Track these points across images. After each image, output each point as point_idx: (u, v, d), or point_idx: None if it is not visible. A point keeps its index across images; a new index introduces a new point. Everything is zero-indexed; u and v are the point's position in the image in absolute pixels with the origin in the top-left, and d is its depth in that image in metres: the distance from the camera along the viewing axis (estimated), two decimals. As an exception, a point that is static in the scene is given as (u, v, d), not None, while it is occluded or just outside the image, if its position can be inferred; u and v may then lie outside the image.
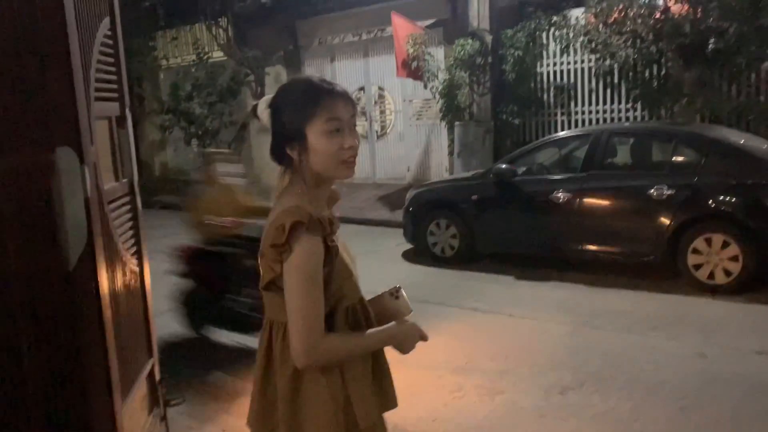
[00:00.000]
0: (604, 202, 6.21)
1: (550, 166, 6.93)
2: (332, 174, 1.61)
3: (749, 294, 5.44)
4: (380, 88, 12.68)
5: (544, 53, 10.14)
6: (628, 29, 8.85)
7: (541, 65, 10.21)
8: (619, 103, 9.61)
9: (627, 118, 9.53)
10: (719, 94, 8.59)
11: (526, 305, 5.58)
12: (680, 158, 6.14)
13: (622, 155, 6.65)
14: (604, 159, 6.41)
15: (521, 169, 6.84)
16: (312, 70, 13.25)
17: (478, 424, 3.57)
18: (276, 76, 13.27)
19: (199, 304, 4.84)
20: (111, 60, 2.63)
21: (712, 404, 3.65)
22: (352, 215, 9.66)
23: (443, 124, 10.95)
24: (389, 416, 1.74)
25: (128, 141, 2.79)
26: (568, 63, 9.99)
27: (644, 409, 3.63)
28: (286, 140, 1.58)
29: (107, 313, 2.21)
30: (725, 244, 5.51)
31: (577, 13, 9.68)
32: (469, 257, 7.04)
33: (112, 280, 2.33)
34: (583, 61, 9.84)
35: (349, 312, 1.64)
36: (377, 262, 6.93)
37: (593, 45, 9.34)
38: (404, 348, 1.69)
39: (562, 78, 10.08)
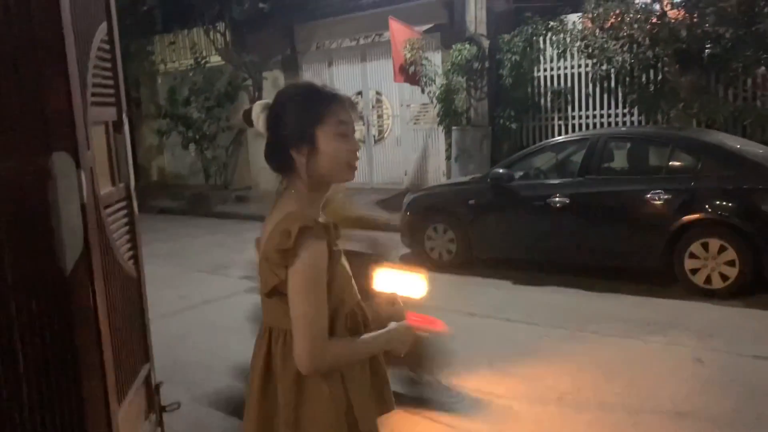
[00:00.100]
0: (601, 207, 6.22)
1: (547, 171, 6.94)
2: (337, 177, 1.62)
3: (746, 298, 5.44)
4: (378, 93, 12.71)
5: (541, 58, 10.16)
6: (625, 34, 8.88)
7: (538, 70, 10.24)
8: (616, 107, 9.64)
9: (624, 123, 9.55)
10: (715, 99, 8.61)
11: (523, 310, 5.58)
12: (677, 163, 6.15)
13: (619, 160, 6.67)
14: (601, 164, 6.42)
15: (518, 174, 6.85)
16: (310, 74, 13.27)
17: (476, 429, 3.56)
18: (273, 81, 13.28)
19: None
20: (108, 65, 2.62)
21: (709, 409, 3.65)
22: (350, 220, 9.64)
23: (441, 128, 10.97)
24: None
25: (125, 146, 2.79)
26: (565, 68, 10.02)
27: (641, 414, 3.63)
28: (293, 143, 1.57)
29: (103, 318, 2.20)
30: (722, 249, 5.52)
31: (573, 18, 9.72)
32: (466, 262, 7.04)
33: (108, 285, 2.32)
34: (579, 66, 9.87)
35: (348, 317, 1.64)
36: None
37: (590, 50, 9.38)
38: (399, 349, 1.71)
39: (559, 83, 10.11)
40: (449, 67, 10.27)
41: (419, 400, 3.80)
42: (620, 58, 9.01)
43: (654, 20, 8.64)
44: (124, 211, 2.73)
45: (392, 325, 1.71)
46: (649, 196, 5.83)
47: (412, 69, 10.17)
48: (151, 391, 2.94)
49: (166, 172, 16.66)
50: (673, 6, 8.54)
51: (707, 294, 5.57)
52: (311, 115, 1.57)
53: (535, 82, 10.29)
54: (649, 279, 6.05)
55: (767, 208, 5.44)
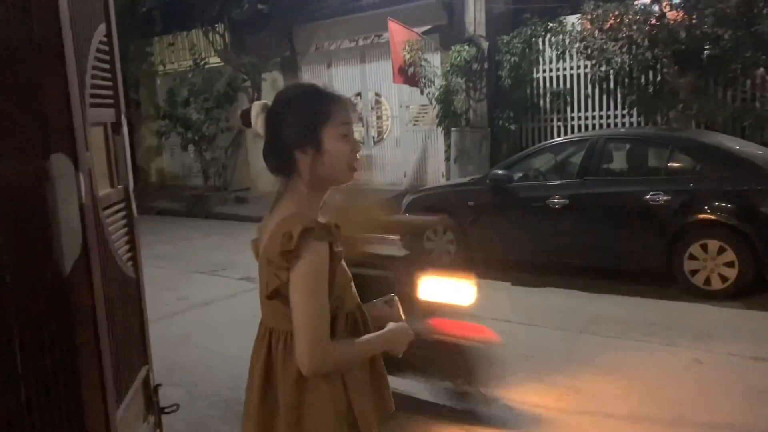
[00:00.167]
0: (601, 208, 6.22)
1: (546, 172, 6.94)
2: (339, 178, 1.63)
3: (745, 300, 5.45)
4: (377, 94, 12.71)
5: (540, 59, 10.17)
6: (624, 35, 8.88)
7: (537, 71, 10.24)
8: (615, 109, 9.65)
9: (623, 124, 9.56)
10: (714, 100, 8.62)
11: (522, 311, 5.58)
12: (676, 164, 6.15)
13: (618, 161, 6.67)
14: (601, 165, 6.42)
15: (518, 175, 6.85)
16: (309, 76, 13.28)
17: (479, 430, 3.56)
18: (273, 82, 13.29)
19: None
20: (106, 66, 2.62)
21: (708, 410, 3.65)
22: (349, 221, 9.64)
23: (440, 129, 10.97)
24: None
25: (123, 147, 2.78)
26: (564, 69, 10.03)
27: (641, 416, 3.63)
28: (297, 143, 1.57)
29: (102, 319, 2.19)
30: (721, 250, 5.52)
31: (572, 20, 9.73)
32: (465, 263, 7.03)
33: (106, 286, 2.31)
34: (579, 67, 9.87)
35: (348, 318, 1.64)
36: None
37: (589, 51, 9.38)
38: (397, 350, 1.71)
39: (558, 84, 10.11)
40: (448, 69, 10.28)
41: (468, 413, 3.68)
42: (619, 60, 9.01)
43: (653, 21, 8.64)
44: (123, 213, 2.73)
45: (391, 325, 1.71)
46: (648, 197, 5.83)
47: (411, 70, 10.17)
48: (150, 392, 2.93)
49: (165, 173, 16.66)
50: (672, 7, 8.54)
51: (706, 295, 5.57)
52: (316, 115, 1.58)
53: (534, 84, 10.29)
54: (649, 280, 6.05)
55: (766, 209, 5.44)
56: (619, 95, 9.54)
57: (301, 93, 1.63)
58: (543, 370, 4.29)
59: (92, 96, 2.34)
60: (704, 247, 5.61)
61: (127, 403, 2.51)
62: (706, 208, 5.65)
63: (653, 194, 5.81)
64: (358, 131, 12.28)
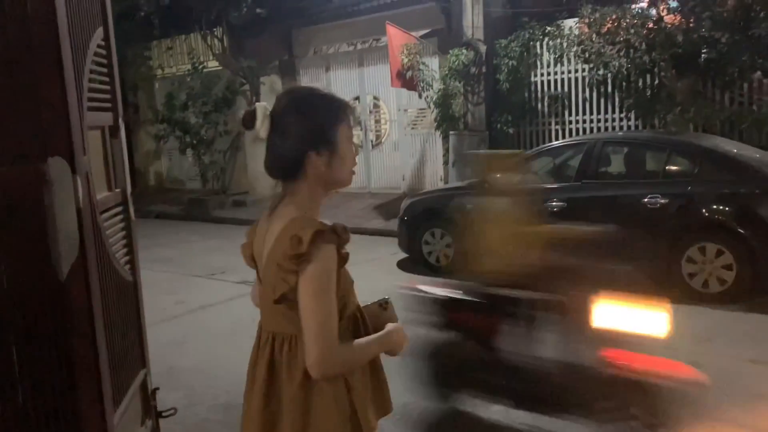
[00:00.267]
0: (598, 211, 6.22)
1: (544, 175, 6.94)
2: (343, 180, 1.64)
3: (743, 302, 5.45)
4: (375, 98, 12.72)
5: (538, 63, 10.20)
6: (621, 39, 8.92)
7: (535, 75, 10.27)
8: (613, 112, 9.67)
9: (621, 128, 9.57)
10: (712, 104, 8.65)
11: (520, 314, 5.57)
12: (674, 167, 6.16)
13: (616, 164, 6.68)
14: (598, 168, 6.43)
15: (516, 178, 6.85)
16: (307, 79, 13.29)
17: (472, 435, 3.55)
18: (271, 86, 13.30)
19: (459, 364, 3.50)
20: (104, 70, 2.62)
21: (707, 413, 3.64)
22: (347, 224, 9.65)
23: (438, 133, 10.98)
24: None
25: (121, 151, 2.78)
26: (562, 72, 10.05)
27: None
28: (313, 145, 1.57)
29: (99, 323, 2.19)
30: (719, 253, 5.53)
31: (570, 23, 9.76)
32: (463, 267, 7.02)
33: (104, 290, 2.31)
34: (576, 71, 9.90)
35: (350, 320, 1.65)
36: (372, 272, 6.92)
37: (587, 55, 9.41)
38: (396, 351, 1.73)
39: (556, 87, 10.14)
40: (446, 72, 10.29)
41: None
42: (617, 63, 9.04)
43: (650, 25, 8.67)
44: (121, 216, 2.73)
45: (390, 326, 1.72)
46: (646, 200, 5.84)
47: (409, 74, 10.18)
48: (148, 396, 2.93)
49: (163, 177, 16.66)
50: (670, 11, 8.58)
51: (704, 298, 5.58)
52: (332, 116, 1.59)
53: (532, 87, 10.32)
54: (647, 283, 6.04)
55: (764, 212, 5.45)
56: (616, 99, 9.56)
57: (314, 95, 1.63)
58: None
59: (90, 100, 2.34)
60: (702, 250, 5.61)
61: (125, 406, 2.51)
62: (703, 211, 5.66)
63: (651, 197, 5.81)
64: (356, 135, 12.29)
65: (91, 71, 2.41)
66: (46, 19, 1.97)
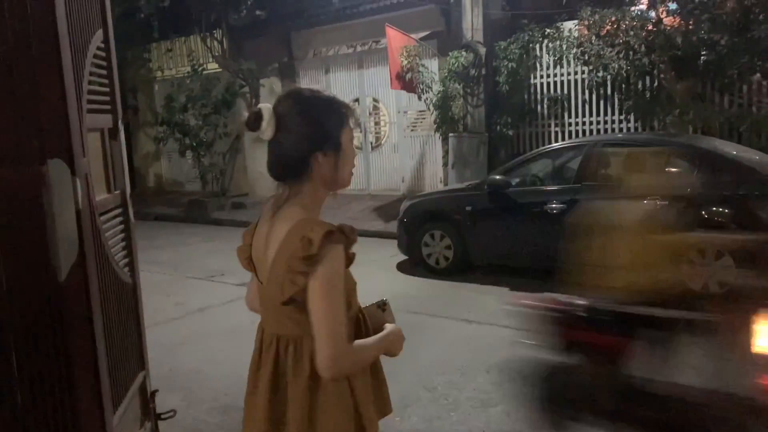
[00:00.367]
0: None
1: (544, 177, 6.94)
2: (345, 181, 1.66)
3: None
4: (375, 100, 12.73)
5: (538, 65, 10.20)
6: (621, 41, 8.93)
7: (535, 77, 10.27)
8: (612, 114, 9.67)
9: (620, 130, 9.58)
10: (711, 106, 8.65)
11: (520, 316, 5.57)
12: (673, 169, 6.15)
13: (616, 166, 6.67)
14: (598, 170, 6.43)
15: (515, 180, 6.86)
16: (307, 81, 13.30)
17: None
18: (270, 88, 13.31)
19: (579, 389, 3.07)
20: (104, 72, 2.63)
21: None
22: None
23: (437, 135, 10.99)
24: (383, 429, 1.75)
25: (120, 153, 2.79)
26: (562, 75, 10.06)
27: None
28: (321, 145, 1.58)
29: (98, 325, 2.19)
30: (719, 255, 5.52)
31: (570, 25, 9.77)
32: (463, 268, 7.04)
33: (103, 292, 2.31)
34: (576, 73, 9.90)
35: (353, 321, 1.66)
36: (372, 273, 6.92)
37: (586, 57, 9.42)
38: (395, 351, 1.74)
39: (555, 89, 10.14)
40: (446, 74, 10.30)
41: None
42: (616, 65, 9.05)
43: (650, 27, 8.68)
44: (120, 218, 2.73)
45: (389, 327, 1.74)
46: (645, 202, 5.82)
47: (408, 76, 10.19)
48: (147, 398, 2.93)
49: (163, 179, 16.66)
50: (669, 13, 8.59)
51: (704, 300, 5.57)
52: (339, 117, 1.61)
53: (532, 89, 10.33)
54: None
55: (763, 214, 5.45)
56: (616, 101, 9.57)
57: (319, 96, 1.64)
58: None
59: (89, 102, 2.34)
60: (702, 252, 5.61)
61: (124, 409, 2.51)
62: (702, 213, 5.66)
63: (650, 200, 5.80)
64: (356, 137, 12.30)
65: (91, 73, 2.41)
66: (46, 22, 1.97)
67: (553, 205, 6.29)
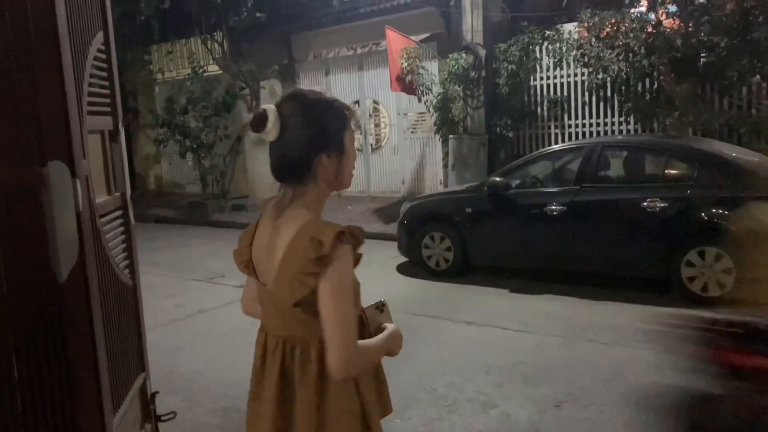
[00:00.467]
0: (598, 215, 6.23)
1: (543, 179, 6.95)
2: (346, 182, 1.66)
3: (743, 307, 5.43)
4: (375, 102, 12.75)
5: (538, 67, 10.21)
6: (621, 43, 8.93)
7: (535, 79, 10.28)
8: (612, 116, 9.68)
9: (620, 132, 9.59)
10: (711, 108, 8.66)
11: (520, 318, 5.58)
12: (673, 171, 6.17)
13: (615, 168, 6.69)
14: (598, 172, 6.44)
15: (515, 182, 6.86)
16: (307, 83, 13.31)
17: None
18: (271, 90, 13.32)
19: (732, 421, 2.54)
20: (104, 74, 2.63)
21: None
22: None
23: (437, 137, 11.00)
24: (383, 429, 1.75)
25: (121, 155, 2.79)
26: (561, 76, 10.07)
27: (639, 423, 3.62)
28: (326, 147, 1.58)
29: (98, 326, 2.19)
30: (719, 257, 5.53)
31: (569, 28, 9.78)
32: (463, 270, 7.04)
33: (103, 293, 2.31)
34: (576, 75, 9.92)
35: (357, 321, 1.66)
36: (372, 275, 6.91)
37: (586, 59, 9.43)
38: (395, 351, 1.75)
39: (555, 91, 10.15)
40: (446, 76, 10.31)
41: None
42: (616, 67, 9.06)
43: (649, 29, 8.69)
44: (120, 220, 2.73)
45: (389, 327, 1.75)
46: (645, 204, 5.84)
47: (408, 78, 10.20)
48: (147, 400, 2.93)
49: (163, 181, 16.66)
50: (669, 15, 8.59)
51: (704, 302, 5.57)
52: (342, 119, 1.62)
53: (532, 91, 10.34)
54: (646, 287, 6.05)
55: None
56: (615, 103, 9.58)
57: (324, 98, 1.64)
58: (540, 377, 4.29)
59: (90, 104, 2.34)
60: (702, 254, 5.62)
61: (124, 410, 2.51)
62: (703, 215, 5.66)
63: (650, 201, 5.82)
64: (356, 138, 12.31)
65: (91, 75, 2.41)
66: (46, 22, 1.98)
67: (553, 207, 6.30)
